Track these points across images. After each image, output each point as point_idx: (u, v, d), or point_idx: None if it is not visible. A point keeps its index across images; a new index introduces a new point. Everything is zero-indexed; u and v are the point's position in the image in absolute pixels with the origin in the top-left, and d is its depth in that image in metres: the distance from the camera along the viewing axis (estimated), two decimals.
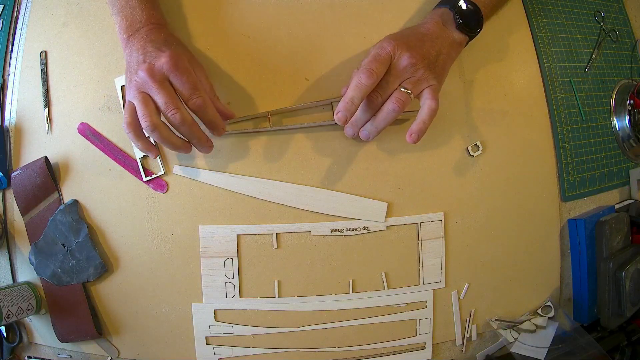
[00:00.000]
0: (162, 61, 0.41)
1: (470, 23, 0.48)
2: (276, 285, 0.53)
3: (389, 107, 0.45)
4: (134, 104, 0.42)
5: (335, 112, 0.45)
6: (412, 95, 0.45)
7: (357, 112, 0.46)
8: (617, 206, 0.63)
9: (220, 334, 0.53)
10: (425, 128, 0.45)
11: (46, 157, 0.54)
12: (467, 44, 0.51)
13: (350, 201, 0.52)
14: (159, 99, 0.41)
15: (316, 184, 0.52)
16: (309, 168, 0.53)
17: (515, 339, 0.56)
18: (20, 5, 0.58)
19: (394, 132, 0.53)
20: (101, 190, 0.53)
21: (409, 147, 0.53)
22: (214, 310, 0.53)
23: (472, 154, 0.55)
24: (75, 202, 0.53)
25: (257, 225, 0.52)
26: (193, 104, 0.42)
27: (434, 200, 0.54)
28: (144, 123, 0.41)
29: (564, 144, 0.59)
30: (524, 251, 0.58)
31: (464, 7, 0.48)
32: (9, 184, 0.55)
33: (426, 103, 0.45)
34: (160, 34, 0.46)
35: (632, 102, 0.63)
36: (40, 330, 0.57)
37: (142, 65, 0.42)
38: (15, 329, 0.57)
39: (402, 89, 0.45)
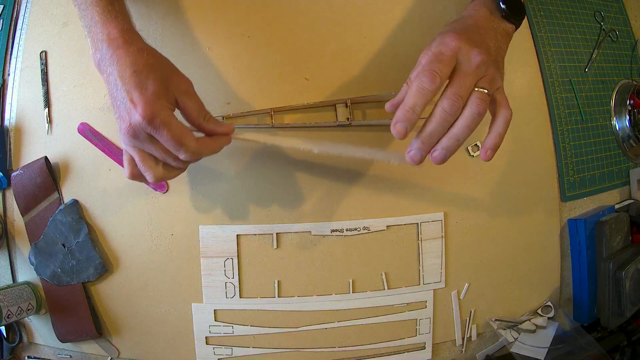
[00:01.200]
0: (137, 119, 0.37)
1: (515, 9, 0.43)
2: (276, 285, 0.53)
3: (473, 111, 0.37)
4: (130, 154, 0.40)
5: (392, 124, 0.37)
6: (490, 97, 0.39)
7: (429, 127, 0.38)
8: (617, 206, 0.63)
9: (220, 334, 0.53)
10: (501, 142, 0.39)
11: (46, 157, 0.54)
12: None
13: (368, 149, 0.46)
14: (154, 153, 0.39)
15: (316, 183, 0.52)
16: (310, 168, 0.52)
17: (515, 339, 0.56)
18: (20, 5, 0.58)
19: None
20: (101, 190, 0.53)
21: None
22: (214, 310, 0.53)
23: (472, 154, 0.55)
24: (75, 202, 0.53)
25: (257, 225, 0.52)
26: (184, 158, 0.39)
27: (434, 200, 0.54)
28: (148, 178, 0.40)
29: (564, 144, 0.59)
30: (524, 251, 0.58)
31: None
32: (9, 184, 0.55)
33: (501, 112, 0.39)
34: (126, 57, 0.38)
35: (632, 102, 0.63)
36: (40, 330, 0.57)
37: (122, 122, 0.38)
38: (15, 329, 0.57)
39: (480, 89, 0.38)
